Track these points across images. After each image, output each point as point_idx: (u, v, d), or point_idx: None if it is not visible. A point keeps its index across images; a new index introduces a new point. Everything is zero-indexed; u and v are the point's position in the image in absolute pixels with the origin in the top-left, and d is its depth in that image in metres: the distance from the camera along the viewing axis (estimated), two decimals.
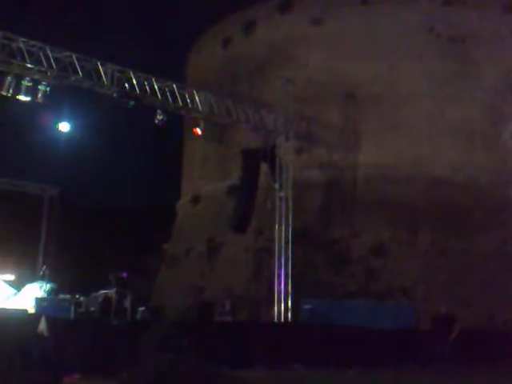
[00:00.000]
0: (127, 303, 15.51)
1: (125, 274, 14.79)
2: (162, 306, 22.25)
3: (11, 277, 14.67)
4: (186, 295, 23.00)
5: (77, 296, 15.93)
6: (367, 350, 14.66)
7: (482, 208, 21.44)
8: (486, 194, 21.77)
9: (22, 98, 14.15)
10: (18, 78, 14.08)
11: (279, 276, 17.55)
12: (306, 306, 16.86)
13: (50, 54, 14.26)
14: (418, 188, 21.84)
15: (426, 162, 22.06)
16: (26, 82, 14.11)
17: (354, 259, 21.10)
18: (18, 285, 15.10)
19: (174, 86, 16.26)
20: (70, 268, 22.60)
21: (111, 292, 15.58)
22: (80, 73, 14.69)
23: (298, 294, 17.55)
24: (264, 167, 18.68)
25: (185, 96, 16.49)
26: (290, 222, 18.05)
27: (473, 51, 22.84)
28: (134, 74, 15.49)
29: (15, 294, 14.96)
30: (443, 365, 13.29)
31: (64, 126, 15.41)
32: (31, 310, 14.22)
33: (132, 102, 15.15)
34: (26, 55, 14.02)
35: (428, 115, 22.44)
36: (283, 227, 17.96)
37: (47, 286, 16.02)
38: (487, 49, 22.77)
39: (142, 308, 15.88)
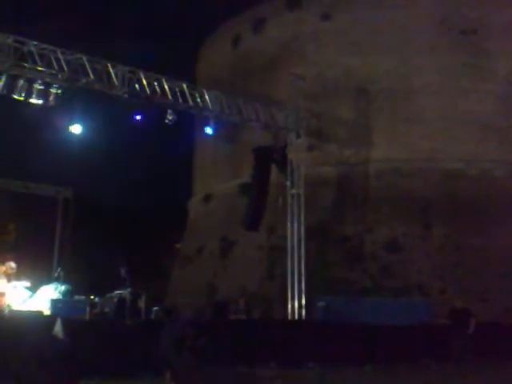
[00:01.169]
0: (141, 303, 15.46)
1: (123, 271, 14.90)
2: (176, 306, 22.33)
3: (27, 283, 14.81)
4: (199, 294, 23.18)
5: (92, 297, 16.02)
6: (383, 347, 14.63)
7: (496, 201, 21.36)
8: (500, 186, 21.68)
9: (34, 101, 14.19)
10: (30, 82, 14.11)
11: (292, 273, 17.54)
12: (321, 304, 16.91)
13: (61, 57, 14.29)
14: (431, 182, 21.87)
15: (439, 156, 22.03)
16: (37, 85, 14.14)
17: (368, 255, 21.18)
18: (33, 287, 15.21)
19: (184, 85, 16.26)
20: (84, 269, 22.76)
21: (125, 292, 15.55)
22: (91, 75, 14.74)
23: (312, 291, 17.59)
24: (275, 165, 18.69)
25: (195, 95, 16.48)
26: (303, 219, 18.02)
27: (485, 43, 22.71)
28: (144, 74, 15.53)
29: (30, 297, 15.08)
30: (460, 359, 13.20)
31: (76, 128, 15.48)
32: (47, 311, 14.31)
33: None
34: (38, 58, 14.04)
35: (441, 108, 22.40)
36: (296, 224, 17.95)
37: (62, 288, 16.12)
38: (499, 40, 22.65)
39: (156, 308, 15.94)
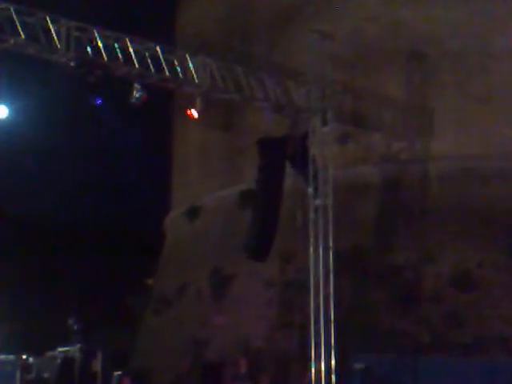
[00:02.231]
0: (97, 366, 15.67)
1: (71, 319, 15.04)
2: (148, 369, 22.36)
3: None
4: (181, 352, 23.14)
5: (24, 357, 16.10)
6: None
7: None
8: None
9: None
10: None
11: (317, 322, 17.56)
12: (358, 366, 16.97)
13: None
14: None
15: None
16: None
17: (428, 296, 21.03)
18: None
19: (158, 48, 16.33)
20: (13, 317, 22.81)
21: (74, 350, 15.87)
22: (21, 33, 14.76)
23: (346, 347, 17.59)
24: (291, 164, 18.67)
25: (174, 63, 16.60)
26: (331, 242, 18.10)
27: None
28: (98, 32, 15.57)
29: None
30: None
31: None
32: None
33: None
34: None
35: None
36: (321, 250, 18.02)
37: None
38: None
39: (118, 373, 16.08)
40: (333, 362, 17.32)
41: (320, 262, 17.94)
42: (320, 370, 17.29)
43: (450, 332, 20.45)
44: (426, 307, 20.87)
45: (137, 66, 16.00)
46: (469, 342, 20.09)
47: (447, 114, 22.50)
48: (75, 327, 17.07)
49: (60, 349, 16.96)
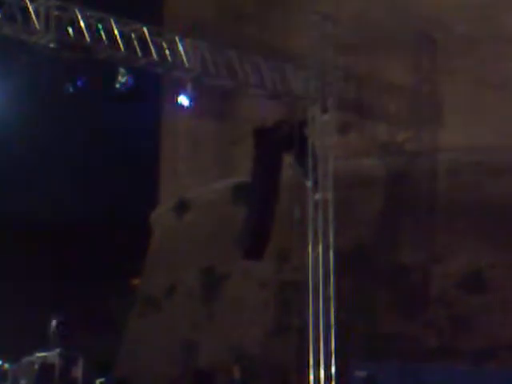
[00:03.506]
0: (78, 372, 15.82)
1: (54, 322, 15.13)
2: (134, 377, 22.38)
3: None
4: (170, 359, 23.24)
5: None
6: None
7: None
8: None
9: None
10: None
11: (316, 326, 17.59)
12: (360, 373, 16.97)
13: None
14: None
15: None
16: None
17: (435, 298, 21.11)
18: None
19: (145, 29, 16.34)
20: None
21: (53, 355, 15.85)
22: None
23: (347, 353, 17.63)
24: (289, 155, 18.74)
25: (162, 46, 16.61)
26: (332, 240, 18.13)
27: None
28: (81, 12, 15.54)
29: None
30: None
31: None
32: None
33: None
34: None
35: None
36: (321, 248, 18.05)
37: None
38: None
39: (101, 380, 16.14)
40: (333, 369, 17.38)
41: (320, 261, 17.96)
42: (319, 378, 17.36)
43: (458, 337, 20.51)
44: (434, 310, 20.94)
45: (122, 48, 15.99)
46: (479, 348, 20.12)
47: (457, 102, 22.49)
48: (54, 331, 17.09)
49: (38, 354, 16.96)
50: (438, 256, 21.60)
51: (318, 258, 17.99)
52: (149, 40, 16.39)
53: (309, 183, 18.50)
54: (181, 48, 16.87)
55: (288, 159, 18.80)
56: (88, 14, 15.70)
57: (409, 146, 22.70)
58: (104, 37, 15.78)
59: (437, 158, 22.53)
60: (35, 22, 15.12)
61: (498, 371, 18.83)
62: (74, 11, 15.52)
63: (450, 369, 18.38)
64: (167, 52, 16.71)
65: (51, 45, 15.37)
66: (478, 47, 22.75)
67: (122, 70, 16.07)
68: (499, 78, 22.55)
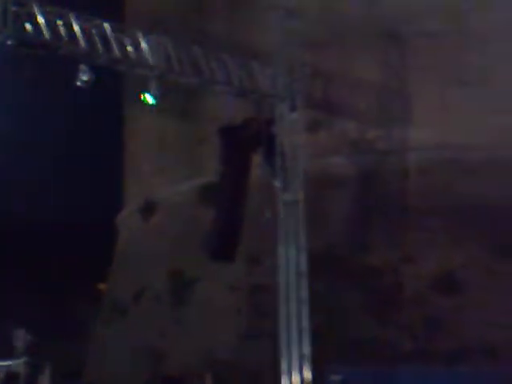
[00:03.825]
0: (45, 381, 16.20)
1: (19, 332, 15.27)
2: (102, 383, 22.18)
3: None
4: (138, 365, 23.15)
5: None
6: None
7: None
8: None
9: None
10: None
11: (289, 330, 17.51)
12: (335, 378, 17.00)
13: None
14: (507, 182, 21.75)
15: None
16: None
17: (408, 300, 21.08)
18: None
19: (107, 25, 16.29)
20: None
21: (18, 363, 16.02)
22: None
23: (321, 358, 17.51)
24: (257, 154, 18.67)
25: (124, 42, 16.54)
26: (303, 241, 18.04)
27: None
28: (40, 8, 15.42)
29: None
30: None
31: None
32: None
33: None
34: None
35: None
36: (292, 251, 17.97)
37: None
38: None
39: None
40: (307, 374, 17.32)
41: (291, 263, 17.89)
42: None
43: (432, 339, 20.54)
44: (407, 312, 20.91)
45: (83, 45, 15.90)
46: (452, 349, 20.20)
47: (428, 99, 22.51)
48: (19, 339, 17.05)
49: (2, 363, 16.99)
50: (409, 256, 21.61)
51: (290, 260, 17.92)
52: (110, 36, 16.32)
53: (278, 183, 18.42)
54: (144, 44, 16.82)
55: (257, 158, 18.71)
56: (47, 9, 15.59)
57: (379, 144, 22.72)
58: (64, 33, 15.68)
59: (407, 156, 22.56)
60: None
61: (471, 372, 18.81)
62: (33, 6, 15.39)
63: (423, 371, 18.37)
64: (130, 49, 16.64)
65: (9, 41, 15.23)
66: (447, 44, 22.78)
67: (83, 67, 15.95)
68: (468, 74, 22.61)
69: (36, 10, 15.35)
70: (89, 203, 30.87)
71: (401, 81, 22.62)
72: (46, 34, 15.39)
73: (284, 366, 17.32)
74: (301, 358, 17.30)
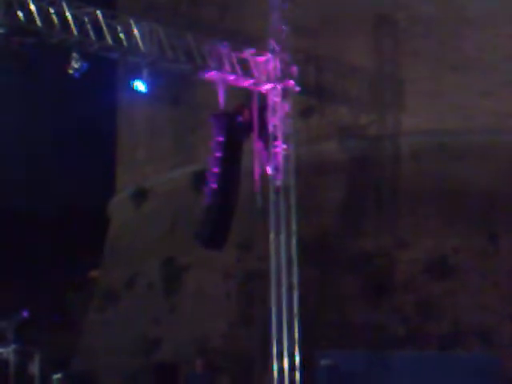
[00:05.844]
0: (34, 368, 15.77)
1: (25, 313, 15.03)
2: (93, 372, 22.22)
3: None
4: (130, 352, 23.09)
5: None
6: None
7: None
8: None
9: None
10: None
11: (279, 316, 17.49)
12: (325, 363, 17.00)
13: None
14: (499, 166, 21.93)
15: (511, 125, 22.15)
16: None
17: (401, 284, 21.18)
18: None
19: (99, 13, 16.21)
20: None
21: (7, 351, 15.87)
22: None
23: (312, 343, 17.57)
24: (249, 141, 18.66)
25: (116, 29, 16.49)
26: (295, 227, 18.03)
27: None
28: None
29: None
30: None
31: None
32: None
33: None
34: None
35: None
36: (284, 237, 17.96)
37: None
38: None
39: (57, 375, 16.04)
40: (297, 359, 17.31)
41: (282, 250, 17.88)
42: (283, 369, 17.29)
43: (425, 323, 20.62)
44: (400, 297, 21.02)
45: (75, 33, 15.84)
46: (445, 333, 20.31)
47: (420, 84, 22.52)
48: (9, 326, 16.99)
49: None
50: (402, 241, 21.68)
51: (281, 246, 17.90)
52: (103, 24, 16.25)
53: (270, 169, 18.39)
54: (136, 32, 16.75)
55: (249, 145, 18.68)
56: None
57: (371, 129, 22.76)
58: (56, 21, 15.61)
59: (399, 141, 22.58)
60: None
61: (464, 356, 19.03)
62: None
63: (416, 356, 18.51)
64: (122, 36, 16.58)
65: (0, 30, 15.16)
66: (440, 28, 22.81)
67: (75, 55, 15.88)
68: (461, 59, 22.63)
69: None
70: (81, 190, 30.78)
71: (393, 65, 22.65)
72: (38, 22, 15.34)
73: (274, 351, 17.31)
74: (291, 343, 17.30)
